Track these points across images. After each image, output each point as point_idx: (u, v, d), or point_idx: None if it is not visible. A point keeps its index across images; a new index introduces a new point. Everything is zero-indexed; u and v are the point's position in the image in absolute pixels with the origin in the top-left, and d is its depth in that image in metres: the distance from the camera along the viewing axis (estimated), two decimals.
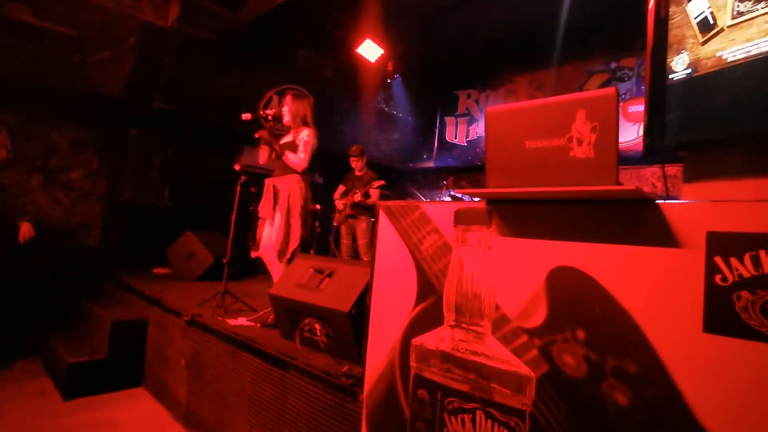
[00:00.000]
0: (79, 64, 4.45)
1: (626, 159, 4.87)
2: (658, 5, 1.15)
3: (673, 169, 4.16)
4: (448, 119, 7.68)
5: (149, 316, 3.47)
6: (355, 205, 4.84)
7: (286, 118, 3.07)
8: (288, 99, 3.09)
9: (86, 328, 3.82)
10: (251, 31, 5.34)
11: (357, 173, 4.99)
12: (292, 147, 2.97)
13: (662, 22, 1.14)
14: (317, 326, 2.23)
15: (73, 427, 2.71)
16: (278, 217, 2.91)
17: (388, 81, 7.28)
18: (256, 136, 3.01)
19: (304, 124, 3.03)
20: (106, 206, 4.80)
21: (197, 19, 5.01)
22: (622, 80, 5.63)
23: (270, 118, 3.02)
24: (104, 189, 4.80)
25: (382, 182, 4.72)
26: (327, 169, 6.22)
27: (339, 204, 5.06)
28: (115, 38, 4.66)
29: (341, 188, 5.10)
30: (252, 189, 3.34)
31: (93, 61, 4.56)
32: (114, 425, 2.79)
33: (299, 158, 2.94)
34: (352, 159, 4.96)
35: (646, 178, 5.10)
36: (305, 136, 2.97)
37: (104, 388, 3.23)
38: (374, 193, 4.74)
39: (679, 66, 1.17)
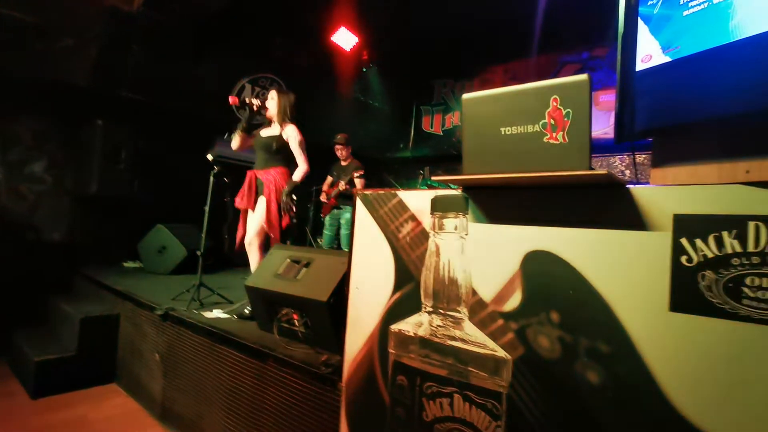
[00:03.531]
0: (41, 51, 4.25)
1: (597, 147, 4.99)
2: None
3: (641, 157, 4.29)
4: (424, 109, 7.69)
5: (121, 312, 3.38)
6: (340, 195, 4.81)
7: (271, 111, 3.07)
8: (274, 93, 3.11)
9: (54, 325, 3.70)
10: (223, 17, 5.20)
11: (342, 163, 4.95)
12: (278, 140, 2.98)
13: (632, 8, 1.17)
14: (295, 316, 2.22)
15: (43, 427, 2.63)
16: (262, 209, 2.90)
17: (364, 70, 7.22)
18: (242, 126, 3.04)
19: (289, 119, 3.05)
20: (73, 200, 4.61)
21: (165, 4, 4.84)
22: (593, 70, 5.74)
23: (255, 108, 3.04)
24: (70, 182, 4.61)
25: (362, 171, 4.70)
26: None
27: (324, 196, 5.02)
28: (78, 25, 4.46)
29: (329, 179, 5.06)
30: (226, 179, 3.28)
31: (55, 49, 4.35)
32: (87, 423, 2.72)
33: (303, 166, 2.98)
34: (336, 148, 4.91)
35: (616, 166, 5.25)
36: (294, 134, 3.00)
37: (75, 386, 3.14)
38: (359, 183, 4.71)
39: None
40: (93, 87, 4.61)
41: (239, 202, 3.00)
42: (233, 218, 3.18)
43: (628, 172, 5.05)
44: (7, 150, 4.24)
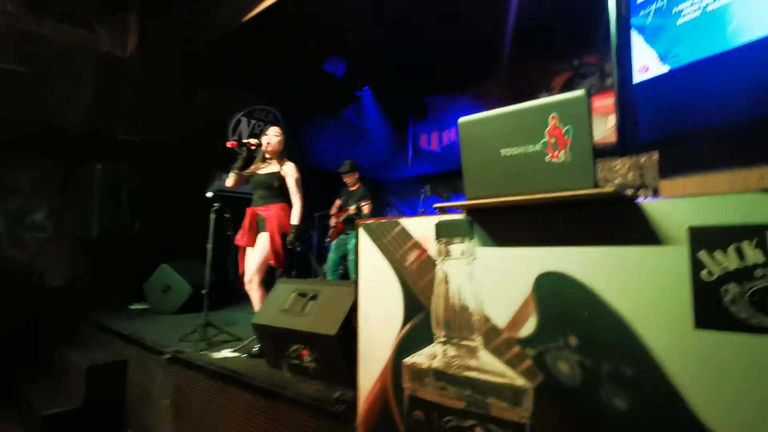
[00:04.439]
0: (35, 99, 4.30)
1: (597, 152, 4.94)
2: (618, 4, 1.15)
3: (644, 158, 4.24)
4: (421, 127, 7.72)
5: (128, 357, 3.32)
6: (347, 220, 4.78)
7: (273, 147, 3.10)
8: (277, 129, 3.17)
9: (61, 374, 3.63)
10: (215, 53, 5.26)
11: (350, 189, 4.94)
12: (278, 177, 3.02)
13: (624, 19, 1.15)
14: (305, 352, 2.16)
15: None
16: (263, 245, 2.88)
17: (358, 93, 7.28)
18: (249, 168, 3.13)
19: (286, 157, 3.12)
20: (75, 244, 4.60)
21: (157, 46, 4.91)
22: (585, 76, 5.75)
23: (254, 147, 3.10)
24: (71, 227, 4.60)
25: (369, 200, 4.67)
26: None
27: (332, 220, 5.00)
28: (72, 71, 4.52)
29: (337, 203, 5.05)
30: (226, 215, 3.26)
31: (50, 96, 4.41)
32: None
33: (298, 205, 3.02)
34: (343, 175, 4.92)
35: (618, 170, 5.20)
36: (292, 172, 3.05)
37: None
38: (367, 209, 4.68)
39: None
40: (89, 131, 4.65)
41: (239, 239, 2.98)
42: (236, 252, 3.14)
43: (630, 174, 5.01)
44: (7, 198, 4.25)
